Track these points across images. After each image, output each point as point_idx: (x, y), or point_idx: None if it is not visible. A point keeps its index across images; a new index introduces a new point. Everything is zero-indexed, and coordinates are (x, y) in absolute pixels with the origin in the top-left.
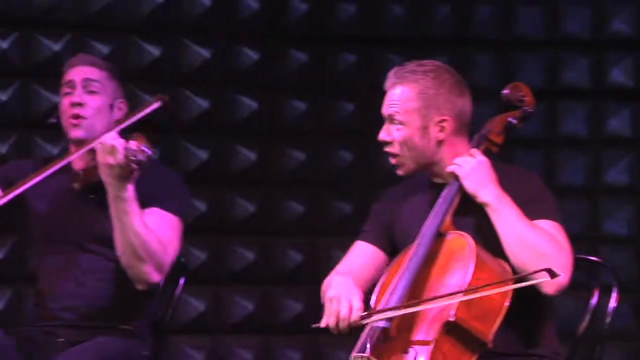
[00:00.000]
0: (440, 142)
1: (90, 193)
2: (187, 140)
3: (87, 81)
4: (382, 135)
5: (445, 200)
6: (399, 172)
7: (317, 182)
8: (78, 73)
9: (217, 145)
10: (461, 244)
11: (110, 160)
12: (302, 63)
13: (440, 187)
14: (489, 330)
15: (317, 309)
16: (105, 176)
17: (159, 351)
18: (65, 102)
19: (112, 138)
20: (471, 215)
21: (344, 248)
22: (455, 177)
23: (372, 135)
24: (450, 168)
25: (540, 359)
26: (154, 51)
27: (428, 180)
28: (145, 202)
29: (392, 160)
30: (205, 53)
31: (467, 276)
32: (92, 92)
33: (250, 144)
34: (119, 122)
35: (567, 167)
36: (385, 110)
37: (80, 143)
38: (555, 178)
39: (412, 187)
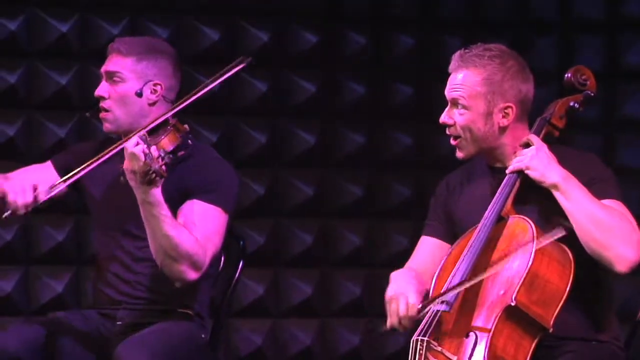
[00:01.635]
0: (503, 129)
1: None
2: (246, 123)
3: (109, 73)
4: (445, 119)
5: (506, 185)
6: (459, 154)
7: (374, 165)
8: (105, 64)
9: (273, 128)
10: (523, 228)
11: (132, 166)
12: (361, 46)
13: (500, 172)
14: (550, 315)
15: (375, 292)
16: (130, 180)
17: (218, 334)
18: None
19: (132, 144)
20: (532, 199)
21: (403, 232)
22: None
23: (431, 118)
24: (511, 167)
25: (599, 343)
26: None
27: (486, 165)
28: (187, 193)
29: (453, 142)
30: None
31: (529, 260)
32: (114, 82)
33: (311, 127)
34: (172, 104)
35: (627, 150)
36: (449, 93)
37: (116, 134)
38: (614, 161)
39: (469, 172)
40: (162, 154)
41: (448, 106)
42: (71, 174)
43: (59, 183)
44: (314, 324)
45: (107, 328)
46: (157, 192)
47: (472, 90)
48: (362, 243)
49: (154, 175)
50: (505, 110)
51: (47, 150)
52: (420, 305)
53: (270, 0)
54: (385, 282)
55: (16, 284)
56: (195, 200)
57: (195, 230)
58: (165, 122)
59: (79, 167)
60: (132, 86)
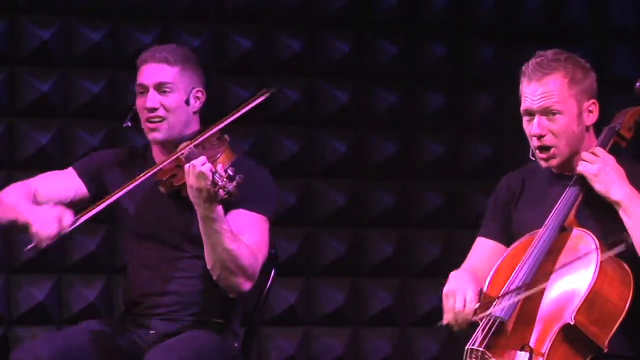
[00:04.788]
0: (587, 129)
1: (176, 195)
2: (278, 132)
3: (158, 84)
4: (538, 130)
5: (570, 195)
6: (553, 162)
7: (406, 174)
8: (149, 75)
9: (305, 137)
10: (586, 242)
11: (199, 184)
12: (394, 54)
13: (564, 179)
14: (607, 334)
15: (407, 301)
16: (193, 197)
17: (250, 343)
18: (139, 103)
19: (200, 163)
20: (594, 210)
21: (435, 241)
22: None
23: (464, 126)
24: (579, 169)
25: None
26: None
27: (549, 171)
28: (230, 203)
29: (542, 155)
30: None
31: (591, 279)
32: (164, 93)
33: (342, 136)
34: (201, 132)
35: None
36: (537, 103)
37: (161, 144)
38: None
39: (531, 175)
40: (231, 173)
41: (535, 117)
42: (103, 202)
43: (86, 213)
44: (345, 332)
45: (140, 337)
46: (219, 208)
47: (563, 94)
48: (394, 252)
49: (220, 193)
50: (590, 108)
51: (79, 159)
52: (477, 305)
53: (303, 10)
54: (416, 292)
55: (49, 292)
56: (240, 210)
57: (247, 238)
58: (212, 134)
59: (103, 175)
60: (181, 95)
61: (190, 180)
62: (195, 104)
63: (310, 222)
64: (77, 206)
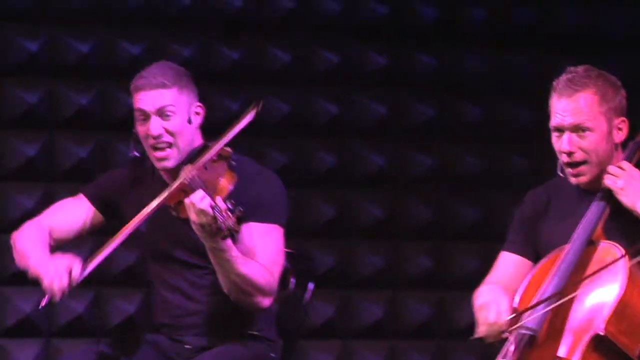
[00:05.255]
0: (617, 146)
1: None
2: (316, 144)
3: (159, 110)
4: (569, 146)
5: (597, 208)
6: (582, 179)
7: (443, 187)
8: (148, 102)
9: (344, 149)
10: (614, 255)
11: (200, 220)
12: (429, 66)
13: (591, 194)
14: (637, 345)
15: (445, 314)
16: (197, 231)
17: (288, 356)
18: (141, 130)
19: (199, 199)
20: (621, 223)
21: (473, 254)
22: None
23: (500, 139)
24: (605, 182)
25: None
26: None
27: (576, 186)
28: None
29: (572, 171)
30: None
31: (620, 288)
32: (167, 117)
33: (380, 148)
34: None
35: None
36: (568, 119)
37: (170, 171)
38: None
39: (556, 190)
40: (231, 206)
41: (565, 134)
42: (109, 246)
43: (94, 258)
44: (383, 345)
45: (177, 352)
46: (227, 239)
47: (593, 111)
48: (432, 265)
49: (222, 227)
50: (620, 126)
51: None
52: (510, 317)
53: (339, 22)
54: (455, 305)
55: (88, 305)
56: (251, 223)
57: (259, 256)
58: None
59: (114, 197)
60: (183, 116)
61: (192, 217)
62: (197, 120)
63: (348, 234)
64: (95, 230)
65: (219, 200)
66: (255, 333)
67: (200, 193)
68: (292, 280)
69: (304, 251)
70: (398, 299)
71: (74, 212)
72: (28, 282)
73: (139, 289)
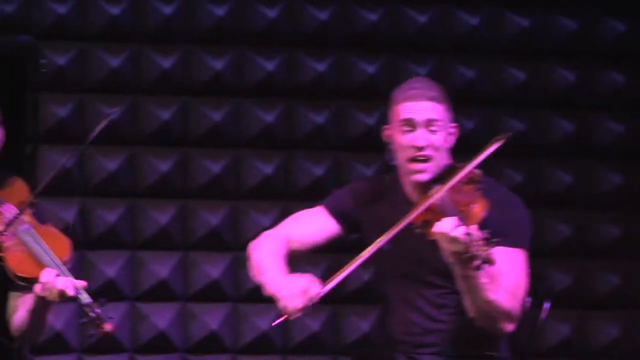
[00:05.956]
0: None
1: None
2: (550, 164)
3: (429, 122)
4: None
5: None
6: None
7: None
8: (420, 112)
9: (581, 169)
10: None
11: (453, 249)
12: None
13: None
14: None
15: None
16: (448, 258)
17: None
18: (403, 140)
19: (452, 227)
20: None
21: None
22: None
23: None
24: None
25: None
26: (519, 75)
27: None
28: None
29: None
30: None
31: None
32: (434, 132)
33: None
34: (454, 170)
35: None
36: None
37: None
38: None
39: None
40: (487, 236)
41: None
42: (353, 264)
43: (334, 278)
44: None
45: None
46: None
47: None
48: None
49: (475, 257)
50: None
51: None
52: None
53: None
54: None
55: (324, 322)
56: (498, 247)
57: (505, 279)
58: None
59: (355, 212)
60: (446, 133)
61: (443, 245)
62: (450, 140)
63: (584, 253)
64: (331, 244)
65: (474, 229)
66: (491, 354)
67: (451, 221)
68: (528, 300)
69: (540, 270)
70: (635, 318)
71: (313, 224)
72: (264, 299)
73: (374, 306)
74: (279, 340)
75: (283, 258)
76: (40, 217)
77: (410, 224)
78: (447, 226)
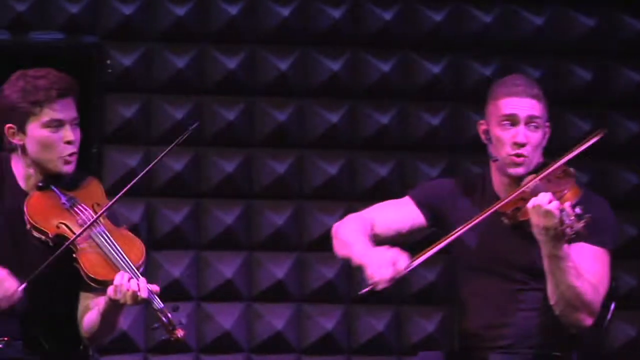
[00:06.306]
0: None
1: (519, 227)
2: (619, 165)
3: (530, 118)
4: None
5: None
6: None
7: None
8: (522, 108)
9: None
10: None
11: (545, 223)
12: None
13: None
14: None
15: None
16: (538, 235)
17: None
18: (505, 136)
19: (546, 201)
20: None
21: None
22: None
23: None
24: None
25: None
26: (585, 75)
27: None
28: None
29: None
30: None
31: None
32: (534, 129)
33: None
34: (545, 164)
35: None
36: None
37: (514, 180)
38: None
39: None
40: (580, 212)
41: None
42: (440, 243)
43: (422, 254)
44: None
45: None
46: (565, 246)
47: None
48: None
49: (567, 232)
50: None
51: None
52: None
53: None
54: None
55: (387, 323)
56: (582, 244)
57: (589, 275)
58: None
59: (442, 205)
60: (543, 131)
61: (536, 220)
62: (545, 139)
63: None
64: (414, 236)
65: (567, 204)
66: (559, 355)
67: (546, 195)
68: (613, 304)
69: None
70: None
71: (398, 212)
72: (329, 299)
73: (439, 307)
74: (343, 341)
75: (368, 235)
76: (115, 220)
77: (500, 212)
78: (542, 199)
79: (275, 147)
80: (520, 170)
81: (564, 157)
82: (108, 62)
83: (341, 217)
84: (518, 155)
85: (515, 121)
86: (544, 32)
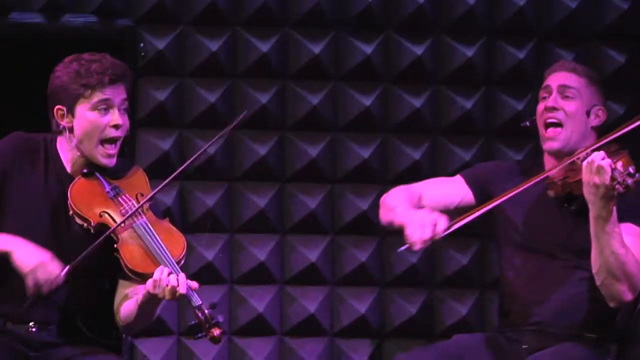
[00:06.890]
0: None
1: (565, 202)
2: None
3: (563, 87)
4: None
5: None
6: None
7: None
8: (556, 79)
9: None
10: None
11: (597, 180)
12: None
13: None
14: None
15: None
16: (588, 194)
17: None
18: (540, 106)
19: (600, 158)
20: None
21: None
22: None
23: None
24: None
25: None
26: (619, 57)
27: None
28: (618, 216)
29: None
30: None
31: None
32: (567, 98)
33: None
34: (601, 136)
35: None
36: None
37: (555, 154)
38: None
39: None
40: (632, 171)
41: None
42: (479, 210)
43: (462, 219)
44: None
45: (512, 352)
46: (614, 208)
47: None
48: None
49: (618, 189)
50: None
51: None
52: None
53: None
54: None
55: (420, 306)
56: (628, 224)
57: (633, 250)
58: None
59: (492, 185)
60: (583, 105)
61: (587, 177)
62: (595, 120)
63: None
64: (462, 213)
65: (619, 163)
66: (592, 336)
67: (601, 153)
68: None
69: None
70: None
71: (448, 187)
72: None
73: (472, 290)
74: (376, 324)
75: (414, 203)
76: (157, 212)
77: (549, 182)
78: (596, 156)
79: (308, 130)
80: (554, 145)
81: (616, 131)
82: (141, 45)
83: (374, 200)
84: (548, 124)
85: (549, 91)
86: (578, 15)
